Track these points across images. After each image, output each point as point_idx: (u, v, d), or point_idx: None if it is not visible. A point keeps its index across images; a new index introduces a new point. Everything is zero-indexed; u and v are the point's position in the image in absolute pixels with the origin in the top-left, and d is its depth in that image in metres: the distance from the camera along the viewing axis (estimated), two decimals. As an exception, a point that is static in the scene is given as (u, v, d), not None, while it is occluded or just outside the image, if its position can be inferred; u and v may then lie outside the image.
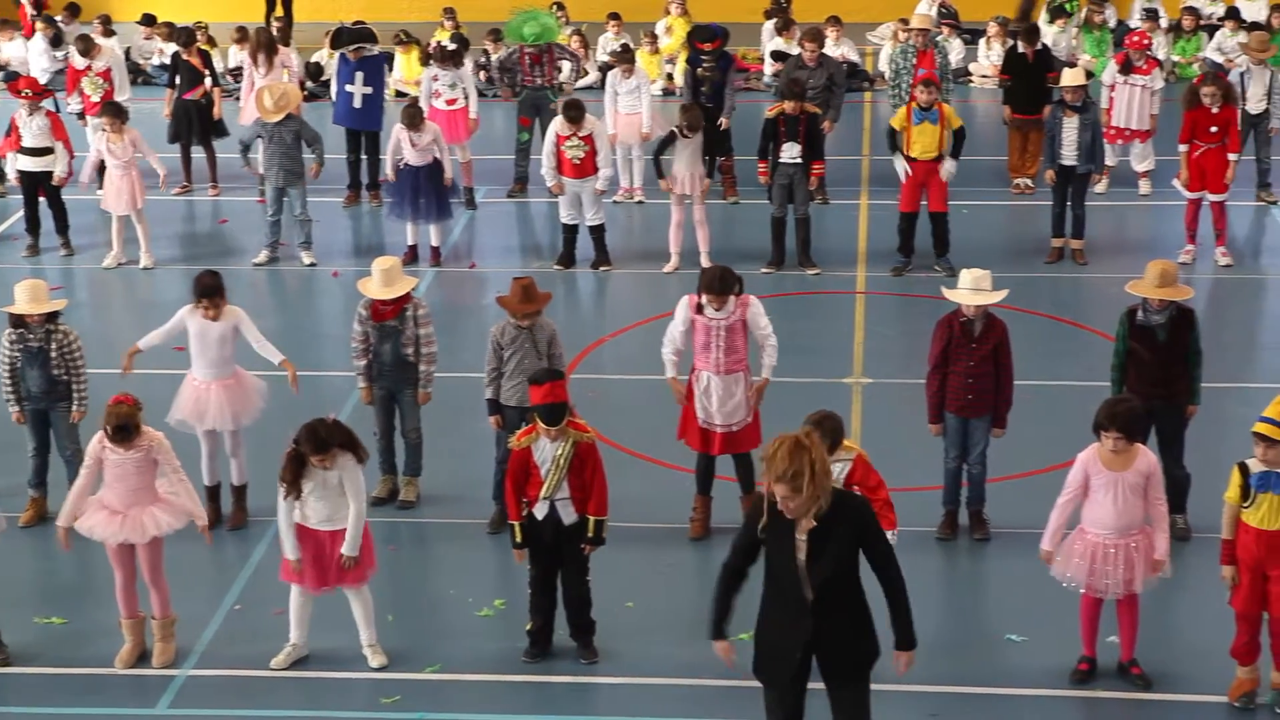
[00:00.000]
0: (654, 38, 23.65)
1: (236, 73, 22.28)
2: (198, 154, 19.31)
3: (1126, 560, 9.41)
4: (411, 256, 16.64)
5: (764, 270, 16.29)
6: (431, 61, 18.81)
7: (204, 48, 20.26)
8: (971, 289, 11.00)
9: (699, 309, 11.20)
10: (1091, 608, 9.64)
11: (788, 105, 16.08)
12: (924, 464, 11.60)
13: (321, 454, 9.57)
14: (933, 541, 11.26)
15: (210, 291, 11.45)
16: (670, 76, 23.23)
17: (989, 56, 23.62)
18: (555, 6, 23.58)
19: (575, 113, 16.18)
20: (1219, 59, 22.36)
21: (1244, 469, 9.18)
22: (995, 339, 11.07)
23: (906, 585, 7.93)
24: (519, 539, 9.89)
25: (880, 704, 8.17)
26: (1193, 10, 24.00)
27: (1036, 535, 9.83)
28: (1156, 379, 11.00)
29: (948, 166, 15.99)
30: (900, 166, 16.11)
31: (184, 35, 19.93)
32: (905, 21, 20.69)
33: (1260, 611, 9.31)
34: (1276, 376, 13.30)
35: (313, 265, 16.91)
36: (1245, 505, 9.18)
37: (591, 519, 9.85)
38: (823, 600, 7.79)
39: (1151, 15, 23.28)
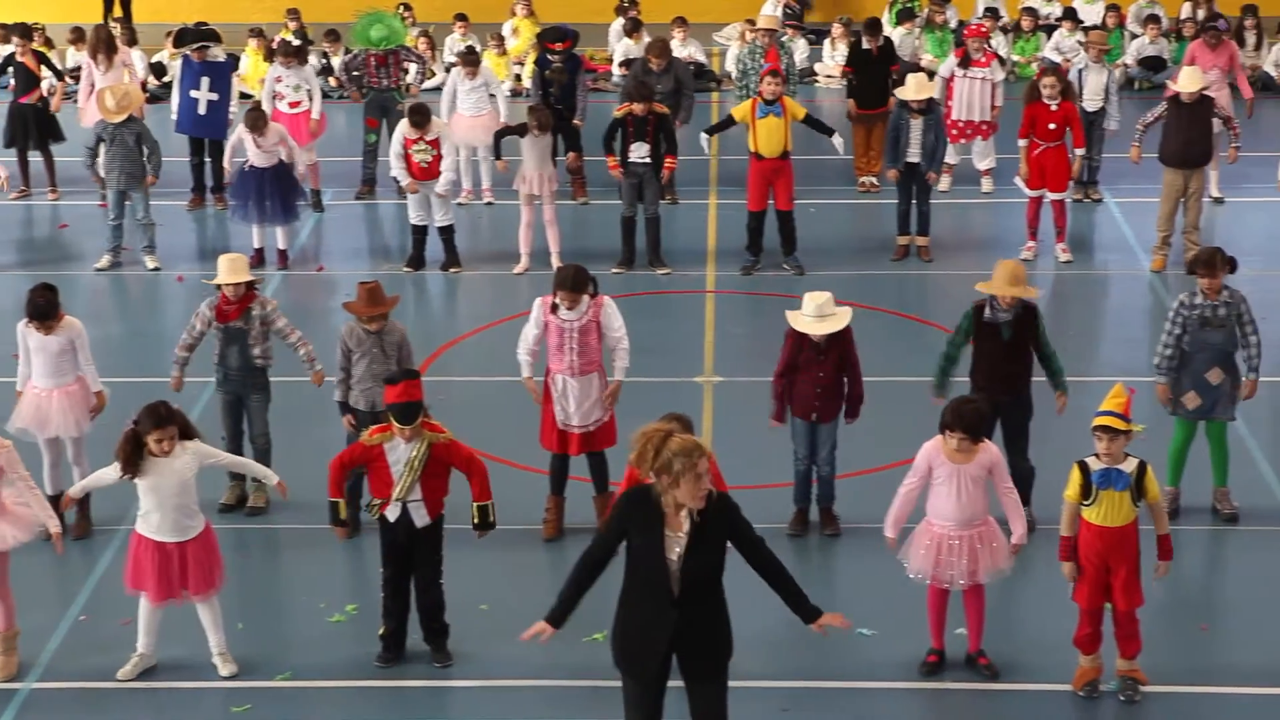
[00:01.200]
0: (501, 39, 23.60)
1: (76, 73, 21.86)
2: (35, 158, 18.94)
3: (970, 551, 9.55)
4: (258, 260, 16.46)
5: (614, 270, 16.32)
6: (275, 60, 18.61)
7: (39, 49, 19.87)
8: (815, 317, 11.05)
9: (553, 309, 11.19)
10: (938, 599, 9.77)
11: (636, 106, 16.14)
12: (774, 461, 11.68)
13: (161, 429, 9.40)
14: (784, 538, 11.34)
15: (42, 315, 11.17)
16: (518, 78, 23.20)
17: (834, 57, 23.87)
18: (401, 8, 23.44)
19: (420, 117, 16.12)
20: (1057, 58, 22.78)
21: (1084, 467, 9.34)
22: (841, 346, 11.17)
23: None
24: (341, 516, 9.86)
25: (733, 699, 8.21)
26: (1031, 11, 24.43)
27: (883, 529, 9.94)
28: (1002, 374, 11.17)
29: (837, 143, 16.27)
30: (704, 139, 16.49)
31: (20, 32, 19.51)
32: (752, 22, 20.87)
33: (1103, 605, 9.49)
34: (1117, 370, 13.57)
35: (156, 270, 16.65)
36: (1086, 503, 9.34)
37: (475, 505, 9.83)
38: (688, 596, 7.85)
39: (991, 14, 23.69)
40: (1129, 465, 9.28)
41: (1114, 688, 9.59)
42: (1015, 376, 11.23)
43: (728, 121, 16.40)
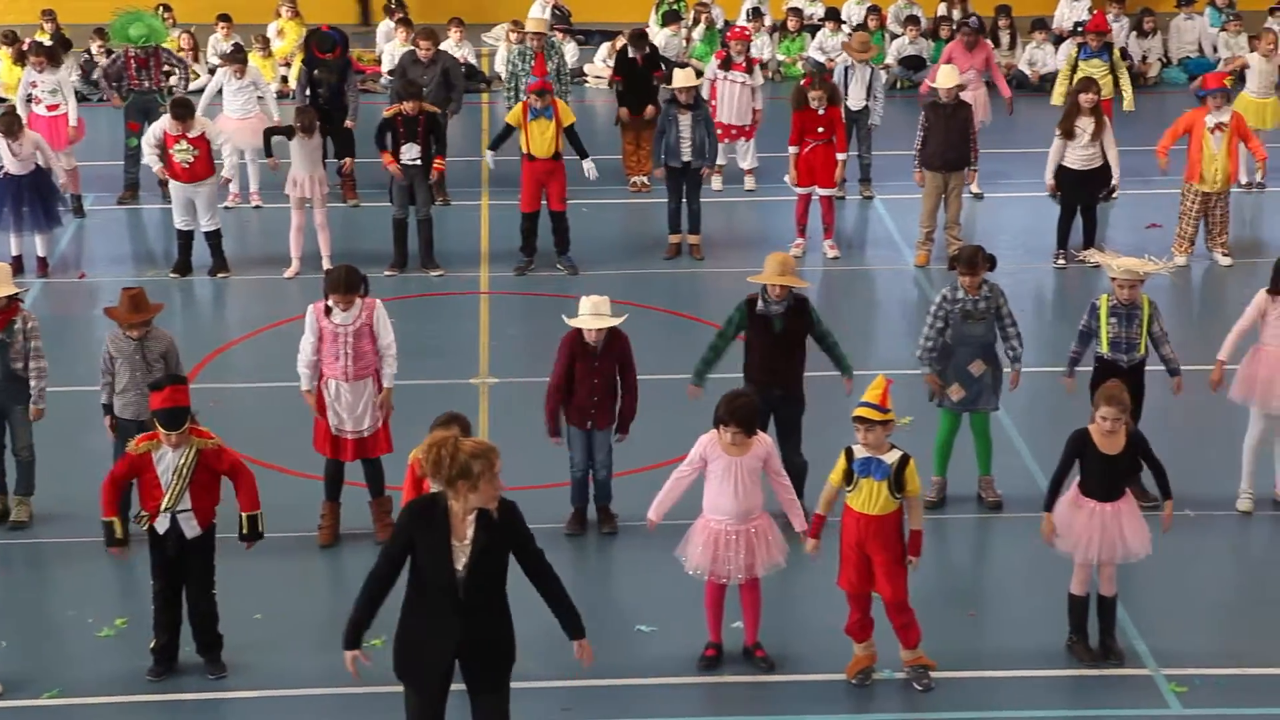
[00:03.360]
0: (266, 41, 23.26)
1: None
2: None
3: (747, 545, 9.66)
4: (17, 268, 15.99)
5: (387, 273, 16.20)
6: (29, 62, 18.12)
7: None
8: (591, 314, 11.13)
9: (327, 312, 11.08)
10: (716, 594, 9.87)
11: (406, 106, 16.04)
12: (551, 461, 11.70)
13: None
14: (562, 538, 11.37)
15: None
16: (285, 79, 22.89)
17: (608, 61, 23.99)
18: (161, 8, 22.96)
19: (183, 110, 15.84)
20: (821, 58, 23.18)
21: (849, 454, 9.53)
22: (617, 353, 11.24)
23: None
24: (118, 535, 9.69)
25: (514, 701, 8.21)
26: (797, 11, 24.80)
27: (663, 526, 10.01)
28: (774, 368, 11.34)
29: (588, 167, 16.24)
30: (489, 158, 16.48)
31: None
32: (518, 23, 20.89)
33: (868, 591, 9.67)
34: (886, 363, 13.81)
35: (-91, 279, 16.10)
36: (848, 489, 9.54)
37: (244, 515, 9.70)
38: (473, 603, 7.83)
39: (756, 15, 24.00)
40: (891, 456, 9.48)
41: (910, 675, 9.75)
42: (787, 370, 11.39)
43: (505, 132, 16.34)
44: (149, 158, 16.13)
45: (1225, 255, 16.52)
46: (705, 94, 18.44)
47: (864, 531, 9.50)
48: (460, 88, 18.39)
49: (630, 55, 18.93)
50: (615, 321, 11.17)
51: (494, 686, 8.07)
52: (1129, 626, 10.26)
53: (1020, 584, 10.93)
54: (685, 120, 16.49)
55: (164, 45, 18.59)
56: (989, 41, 20.27)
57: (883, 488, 9.44)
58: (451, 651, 7.91)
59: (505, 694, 8.13)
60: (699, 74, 18.54)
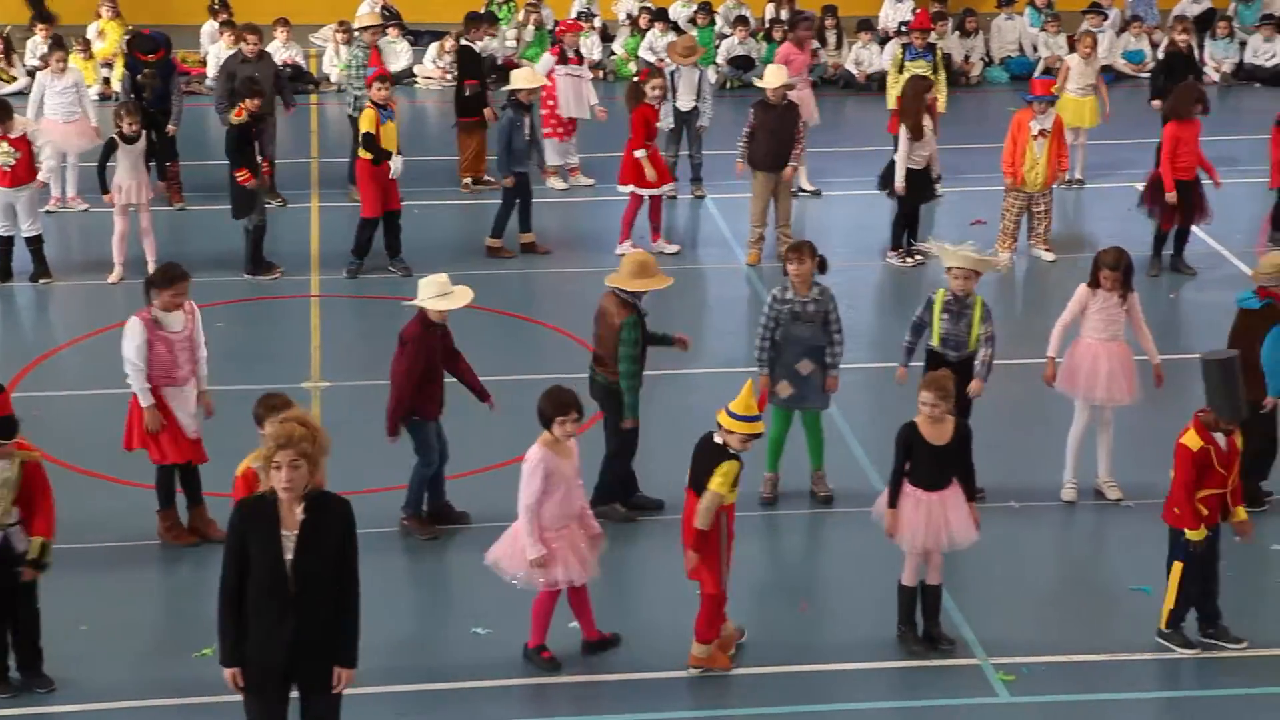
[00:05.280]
0: (87, 42, 22.82)
1: None
2: None
3: (574, 549, 9.70)
4: None
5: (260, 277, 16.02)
6: None
7: None
8: (440, 294, 11.07)
9: (156, 324, 10.90)
10: (547, 601, 9.84)
11: (250, 104, 15.74)
12: (384, 465, 11.61)
13: None
14: (396, 540, 11.29)
15: None
16: (107, 81, 22.48)
17: (438, 62, 23.87)
18: (-22, 8, 22.47)
19: (2, 112, 15.47)
20: (651, 58, 23.26)
21: (739, 461, 9.60)
22: (443, 336, 11.21)
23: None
24: None
25: (350, 708, 8.14)
26: (662, 13, 24.62)
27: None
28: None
29: (395, 165, 16.09)
30: (397, 165, 16.10)
31: None
32: (345, 23, 20.75)
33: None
34: (719, 361, 13.93)
35: None
36: (731, 493, 9.59)
37: (37, 541, 9.42)
38: (306, 597, 7.74)
39: (588, 17, 23.98)
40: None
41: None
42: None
43: (371, 141, 16.00)
44: None
45: (1048, 251, 16.86)
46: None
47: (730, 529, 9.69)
48: (289, 86, 18.19)
49: (471, 43, 18.88)
50: (464, 301, 11.12)
51: (326, 685, 7.95)
52: (956, 616, 10.42)
53: (851, 577, 11.06)
54: (527, 123, 16.46)
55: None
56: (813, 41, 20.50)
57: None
58: (286, 651, 7.79)
59: (337, 695, 8.02)
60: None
